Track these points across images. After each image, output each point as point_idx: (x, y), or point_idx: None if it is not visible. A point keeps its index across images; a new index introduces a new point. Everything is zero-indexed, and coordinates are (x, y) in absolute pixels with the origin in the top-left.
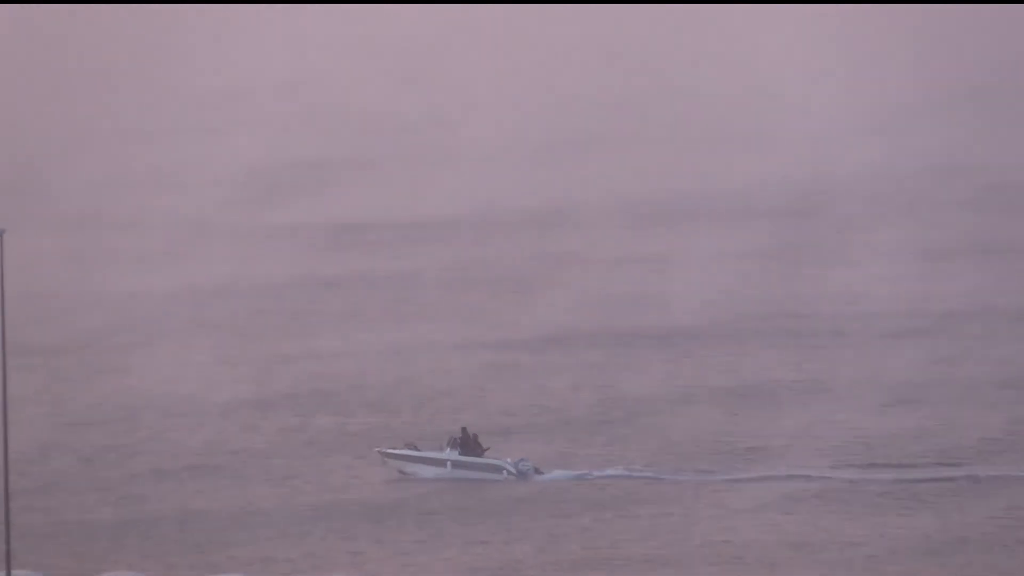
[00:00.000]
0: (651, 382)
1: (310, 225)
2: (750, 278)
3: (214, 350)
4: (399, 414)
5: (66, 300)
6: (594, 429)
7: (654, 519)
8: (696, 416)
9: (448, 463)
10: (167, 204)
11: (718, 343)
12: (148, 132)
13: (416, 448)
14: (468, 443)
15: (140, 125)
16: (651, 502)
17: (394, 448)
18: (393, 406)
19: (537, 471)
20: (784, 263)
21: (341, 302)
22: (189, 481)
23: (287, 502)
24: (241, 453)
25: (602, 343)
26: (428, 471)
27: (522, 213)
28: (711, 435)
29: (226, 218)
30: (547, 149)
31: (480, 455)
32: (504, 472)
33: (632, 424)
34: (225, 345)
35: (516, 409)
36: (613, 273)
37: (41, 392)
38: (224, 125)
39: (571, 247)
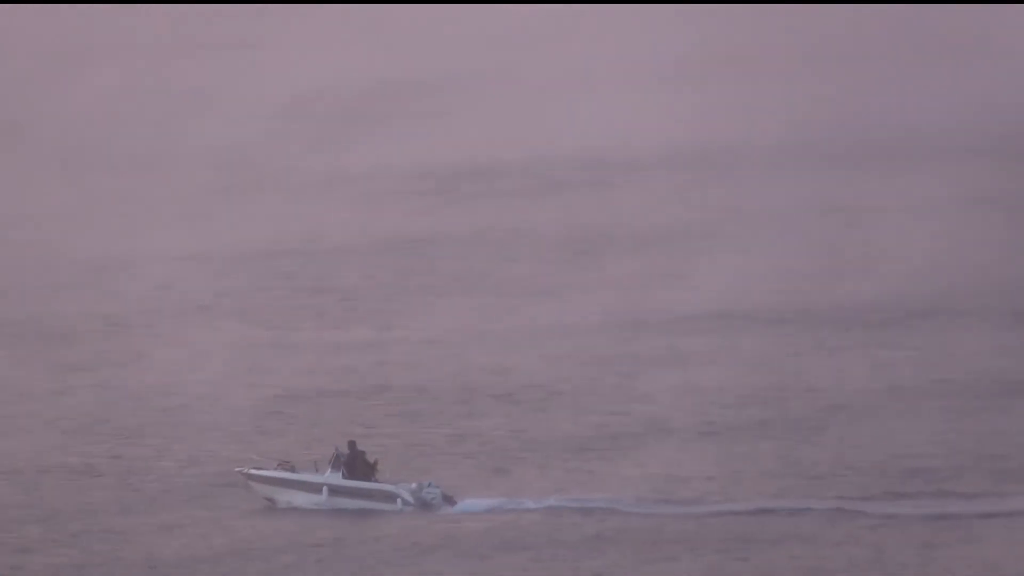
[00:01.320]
0: (838, 375)
1: (387, 169)
2: (977, 235)
3: (244, 336)
4: (469, 419)
5: (49, 269)
6: (737, 439)
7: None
8: (895, 422)
9: (324, 488)
10: (190, 139)
11: (933, 322)
12: (169, 44)
13: (293, 468)
14: (355, 463)
15: (157, 37)
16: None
17: (260, 468)
18: (465, 411)
19: (448, 500)
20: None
21: (424, 271)
22: (162, 513)
23: (271, 542)
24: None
25: (776, 322)
26: (302, 498)
27: (669, 152)
28: (908, 449)
29: (272, 159)
30: (702, 67)
31: (370, 478)
32: (398, 501)
33: (798, 433)
34: (260, 330)
35: (633, 413)
36: (793, 230)
37: None
38: (272, 38)
39: (736, 196)
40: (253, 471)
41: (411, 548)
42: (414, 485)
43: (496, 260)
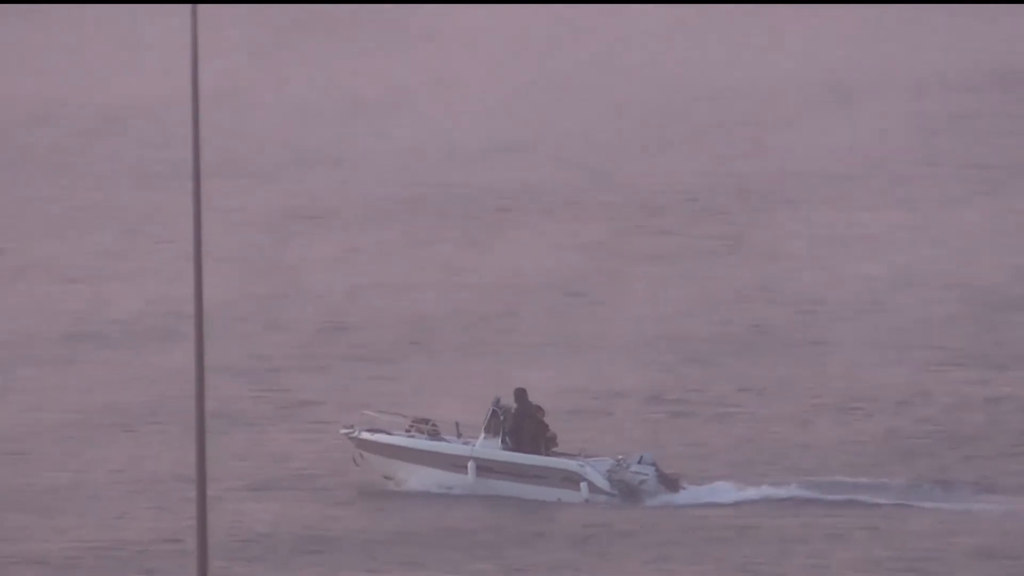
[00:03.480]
0: None
1: None
2: None
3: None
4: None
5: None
6: None
7: None
8: None
9: (471, 464)
10: None
11: None
12: None
13: (436, 431)
14: (523, 425)
15: None
16: None
17: (376, 430)
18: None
19: (668, 483)
20: None
21: None
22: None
23: None
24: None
25: None
26: (436, 477)
27: None
28: None
29: None
30: None
31: (541, 448)
32: (583, 486)
33: None
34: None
35: None
36: None
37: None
38: None
39: None
40: (366, 435)
41: None
42: (613, 460)
43: None
